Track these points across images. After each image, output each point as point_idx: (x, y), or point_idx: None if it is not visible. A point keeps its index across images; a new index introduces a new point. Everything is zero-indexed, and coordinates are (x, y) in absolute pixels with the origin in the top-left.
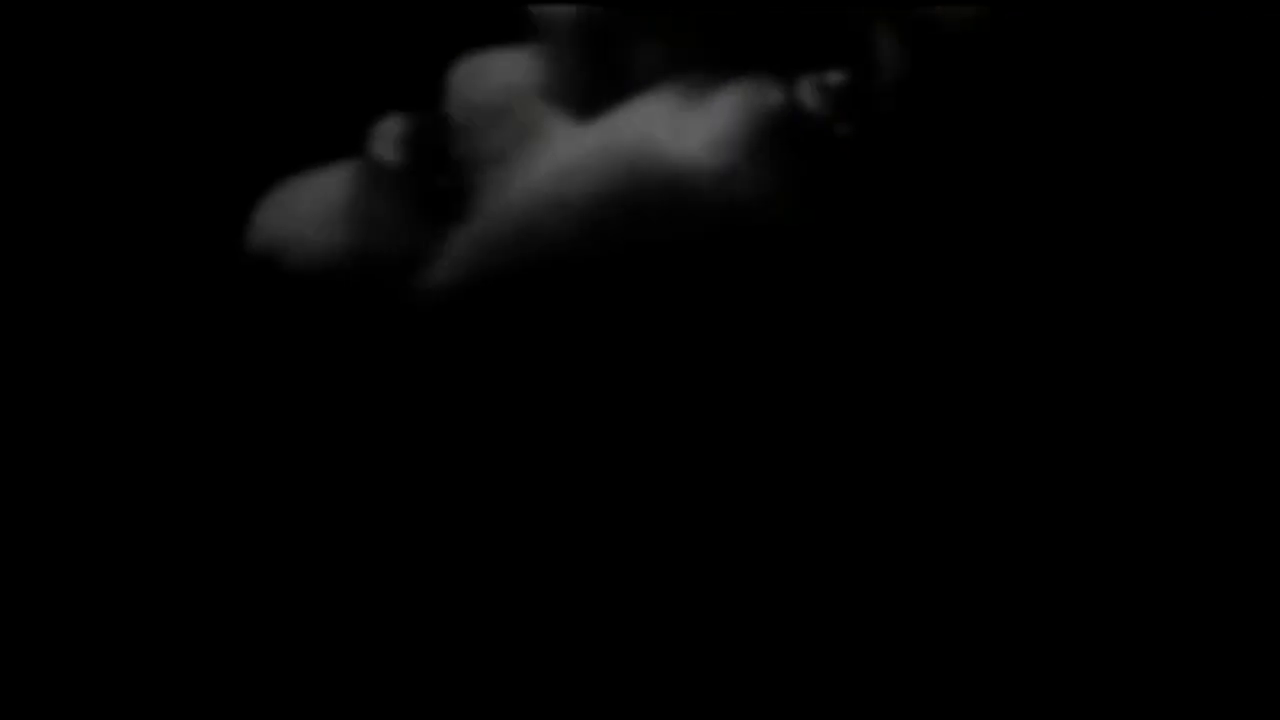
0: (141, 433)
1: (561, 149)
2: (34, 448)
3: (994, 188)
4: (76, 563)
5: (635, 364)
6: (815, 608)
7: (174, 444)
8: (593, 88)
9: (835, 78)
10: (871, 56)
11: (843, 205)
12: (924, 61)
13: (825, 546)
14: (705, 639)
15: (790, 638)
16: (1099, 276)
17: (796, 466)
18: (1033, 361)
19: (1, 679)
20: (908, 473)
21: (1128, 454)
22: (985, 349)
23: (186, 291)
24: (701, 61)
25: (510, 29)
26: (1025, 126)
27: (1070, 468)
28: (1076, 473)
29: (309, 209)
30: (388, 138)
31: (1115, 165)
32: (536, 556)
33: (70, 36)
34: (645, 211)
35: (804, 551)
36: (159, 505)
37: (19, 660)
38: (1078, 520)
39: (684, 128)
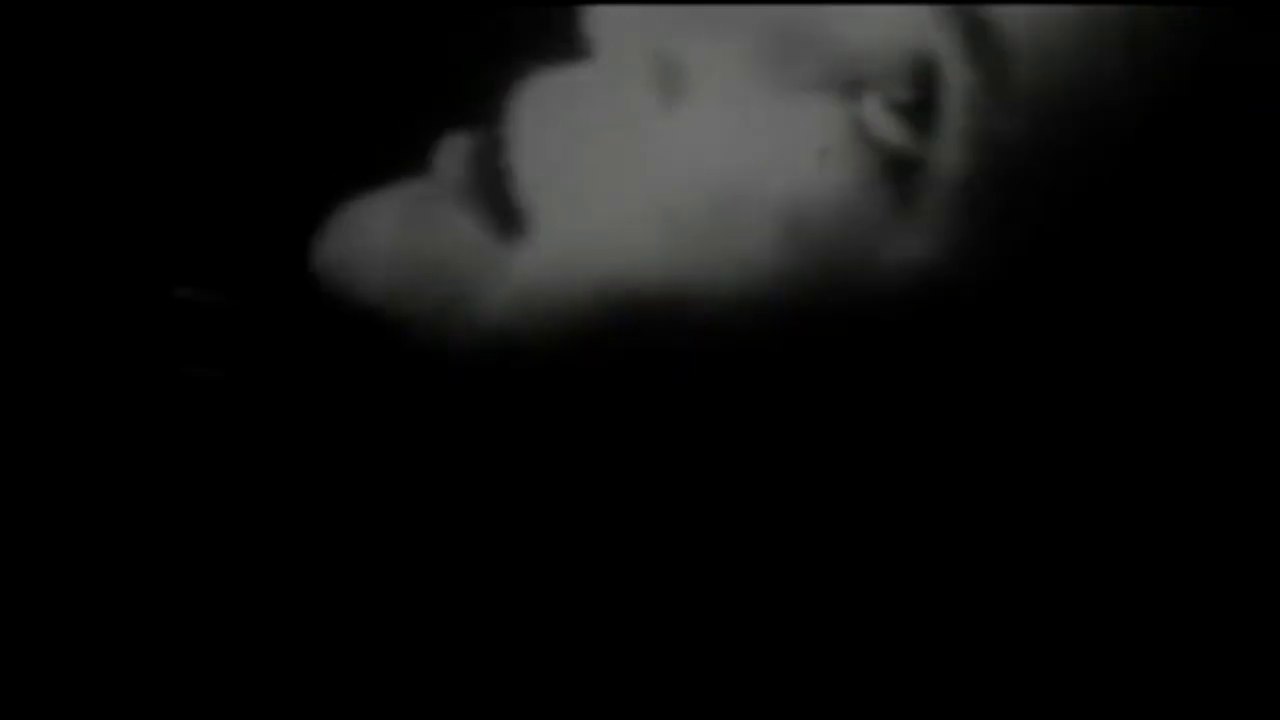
0: (197, 439)
1: (623, 170)
2: (96, 454)
3: (1063, 196)
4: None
5: (700, 382)
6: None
7: (229, 452)
8: (654, 108)
9: (901, 96)
10: (938, 76)
11: (911, 223)
12: (990, 75)
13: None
14: (705, 639)
15: (790, 638)
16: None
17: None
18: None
19: (1, 679)
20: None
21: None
22: (1061, 358)
23: (255, 308)
24: (764, 81)
25: (572, 49)
26: (1094, 135)
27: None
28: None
29: (375, 229)
30: (453, 155)
31: (1194, 173)
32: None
33: (142, 61)
34: (708, 231)
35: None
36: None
37: (20, 660)
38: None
39: (746, 147)
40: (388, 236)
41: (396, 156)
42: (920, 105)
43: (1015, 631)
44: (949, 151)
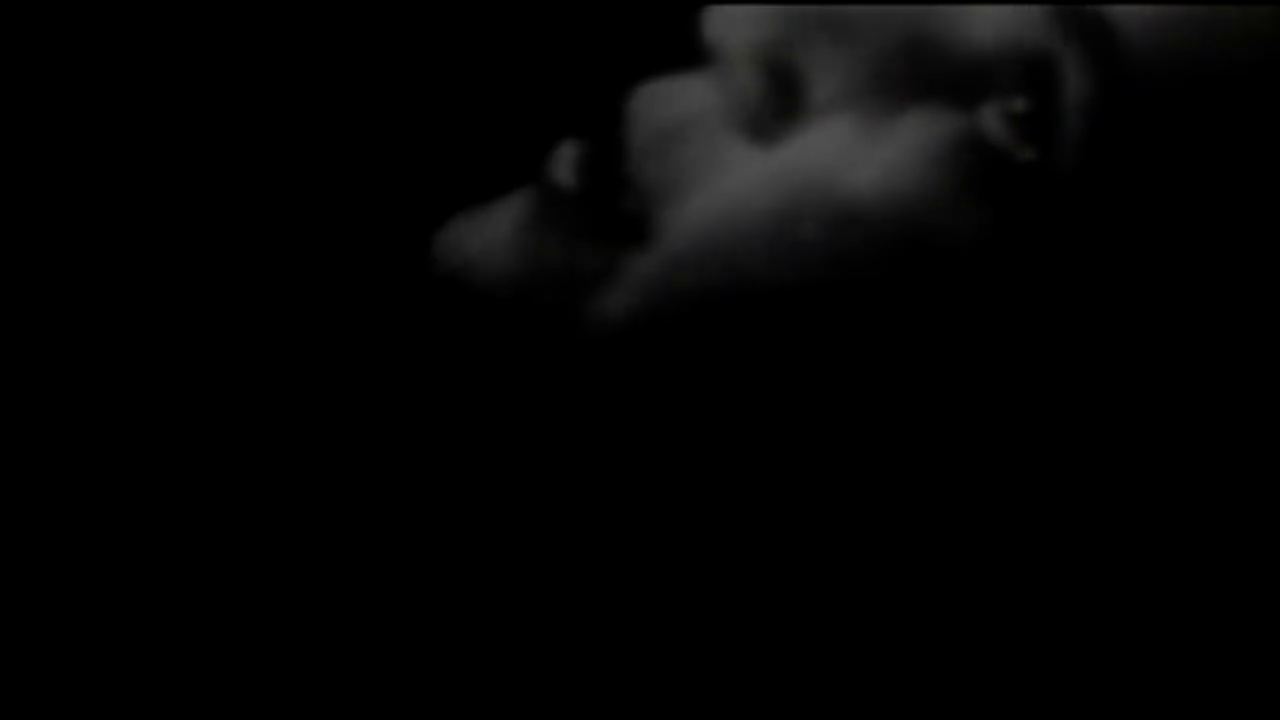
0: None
1: (739, 175)
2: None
3: (1181, 206)
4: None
5: (811, 380)
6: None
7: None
8: (770, 115)
9: (1019, 103)
10: (1056, 81)
11: (1029, 230)
12: (1109, 83)
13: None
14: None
15: (790, 638)
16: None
17: (983, 479)
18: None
19: (2, 679)
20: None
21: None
22: (1161, 361)
23: (380, 303)
24: (880, 89)
25: (689, 57)
26: (1212, 145)
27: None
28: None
29: (494, 232)
30: (567, 162)
31: None
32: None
33: (270, 76)
34: (823, 237)
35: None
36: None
37: (21, 660)
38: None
39: (862, 155)
40: (508, 240)
41: (516, 163)
42: (1037, 113)
43: (1004, 630)
44: (1066, 159)
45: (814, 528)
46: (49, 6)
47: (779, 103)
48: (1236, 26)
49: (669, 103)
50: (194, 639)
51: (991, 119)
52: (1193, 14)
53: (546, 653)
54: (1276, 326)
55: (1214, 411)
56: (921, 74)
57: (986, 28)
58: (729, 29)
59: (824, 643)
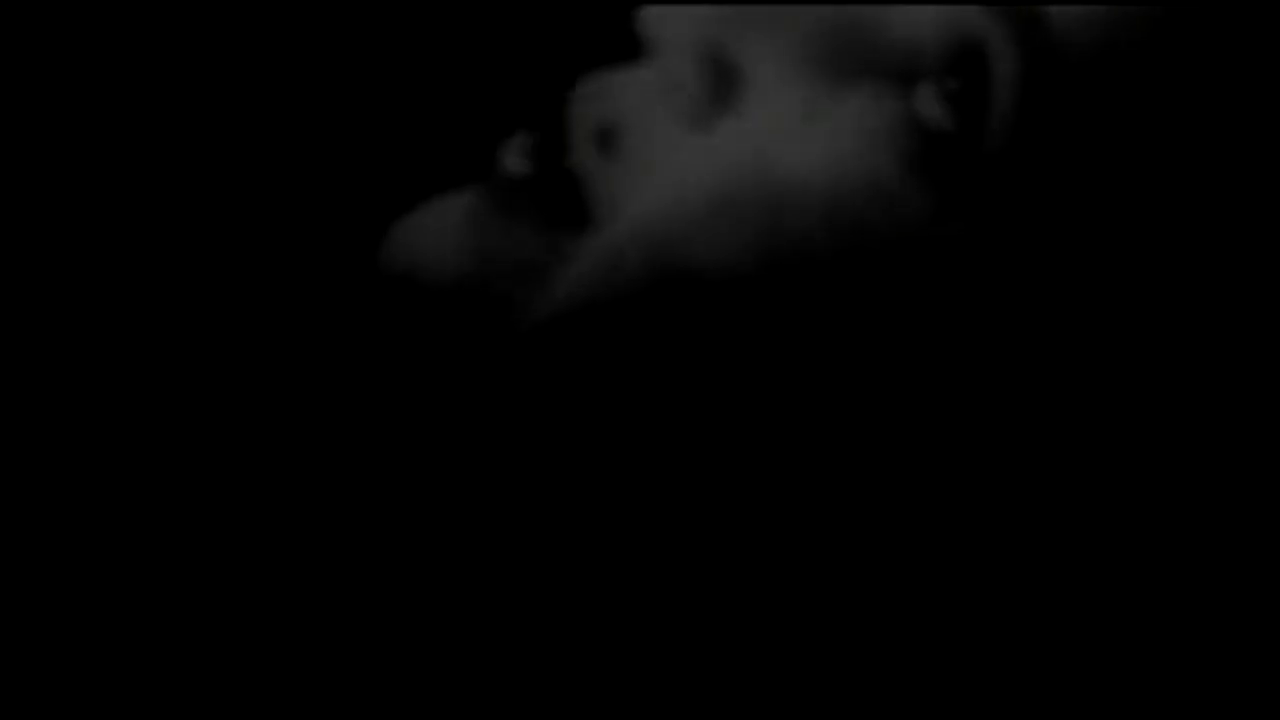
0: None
1: (680, 162)
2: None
3: (1111, 184)
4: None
5: (746, 365)
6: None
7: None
8: (710, 101)
9: (952, 84)
10: (986, 61)
11: (964, 209)
12: (1039, 64)
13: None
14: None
15: (790, 638)
16: (1221, 269)
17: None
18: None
19: (2, 679)
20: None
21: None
22: (1101, 340)
23: (330, 301)
24: (817, 72)
25: (630, 49)
26: (1138, 126)
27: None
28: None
29: (442, 228)
30: (516, 151)
31: (1231, 161)
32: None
33: (228, 81)
34: (763, 222)
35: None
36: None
37: (22, 659)
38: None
39: (802, 139)
40: (456, 234)
41: (462, 157)
42: (969, 93)
43: (1003, 630)
44: (997, 137)
45: (761, 511)
46: None
47: (718, 92)
48: (1164, 19)
49: (610, 93)
50: (148, 640)
51: (927, 100)
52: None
53: (501, 649)
54: (1205, 301)
55: (1147, 386)
56: (857, 58)
57: (921, 14)
58: (666, 22)
59: (776, 628)
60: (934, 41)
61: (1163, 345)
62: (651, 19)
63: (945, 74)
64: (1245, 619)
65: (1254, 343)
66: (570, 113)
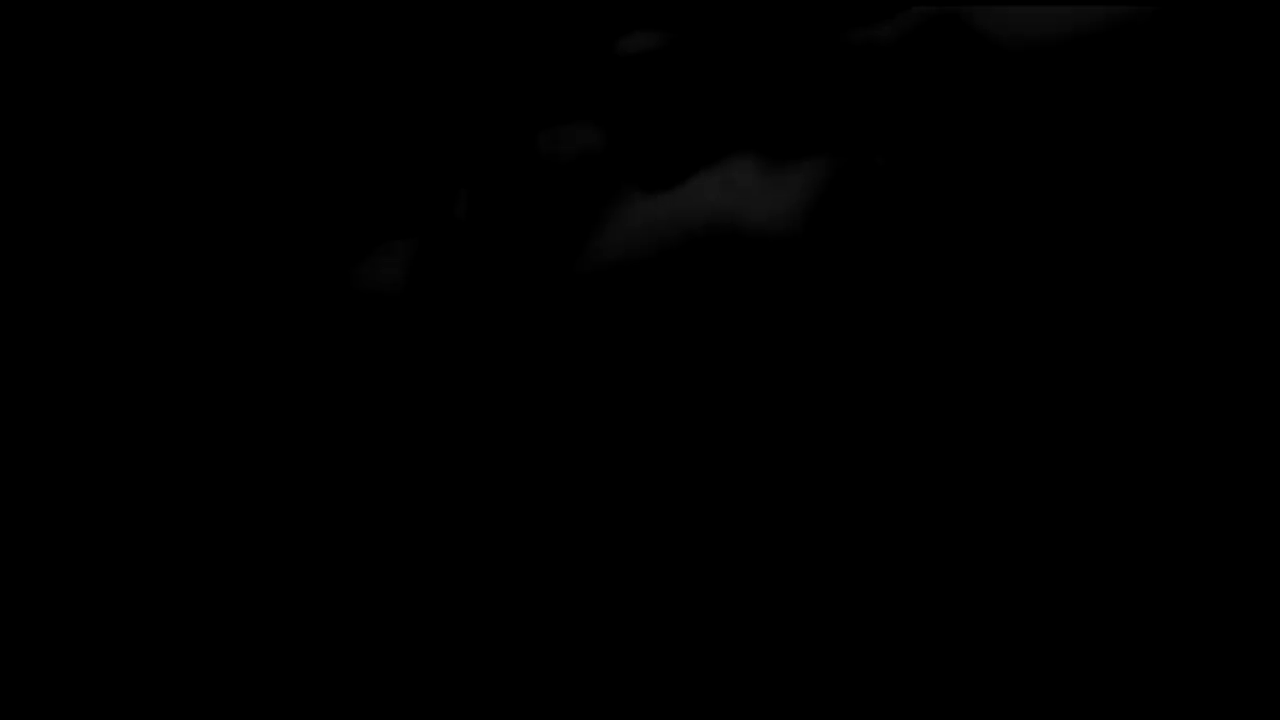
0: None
1: (634, 217)
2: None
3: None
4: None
5: (686, 419)
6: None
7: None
8: (668, 156)
9: (904, 143)
10: (922, 85)
11: (908, 264)
12: (975, 84)
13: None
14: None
15: (790, 638)
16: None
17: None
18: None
19: (2, 679)
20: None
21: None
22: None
23: (279, 339)
24: (775, 130)
25: (591, 101)
26: (1080, 141)
27: (1071, 467)
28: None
29: (398, 265)
30: (467, 203)
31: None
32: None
33: (187, 105)
34: (717, 279)
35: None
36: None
37: (22, 659)
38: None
39: (758, 197)
40: (405, 276)
41: (414, 202)
42: (902, 121)
43: (1003, 630)
44: (930, 161)
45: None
46: None
47: (675, 144)
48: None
49: (568, 145)
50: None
51: (881, 160)
52: (1067, 19)
53: (450, 644)
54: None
55: (1050, 377)
56: (817, 111)
57: (865, 69)
58: (624, 79)
59: (698, 612)
60: (881, 97)
61: (1151, 343)
62: (609, 74)
63: (899, 126)
64: (1246, 619)
65: (1253, 342)
66: (527, 165)
